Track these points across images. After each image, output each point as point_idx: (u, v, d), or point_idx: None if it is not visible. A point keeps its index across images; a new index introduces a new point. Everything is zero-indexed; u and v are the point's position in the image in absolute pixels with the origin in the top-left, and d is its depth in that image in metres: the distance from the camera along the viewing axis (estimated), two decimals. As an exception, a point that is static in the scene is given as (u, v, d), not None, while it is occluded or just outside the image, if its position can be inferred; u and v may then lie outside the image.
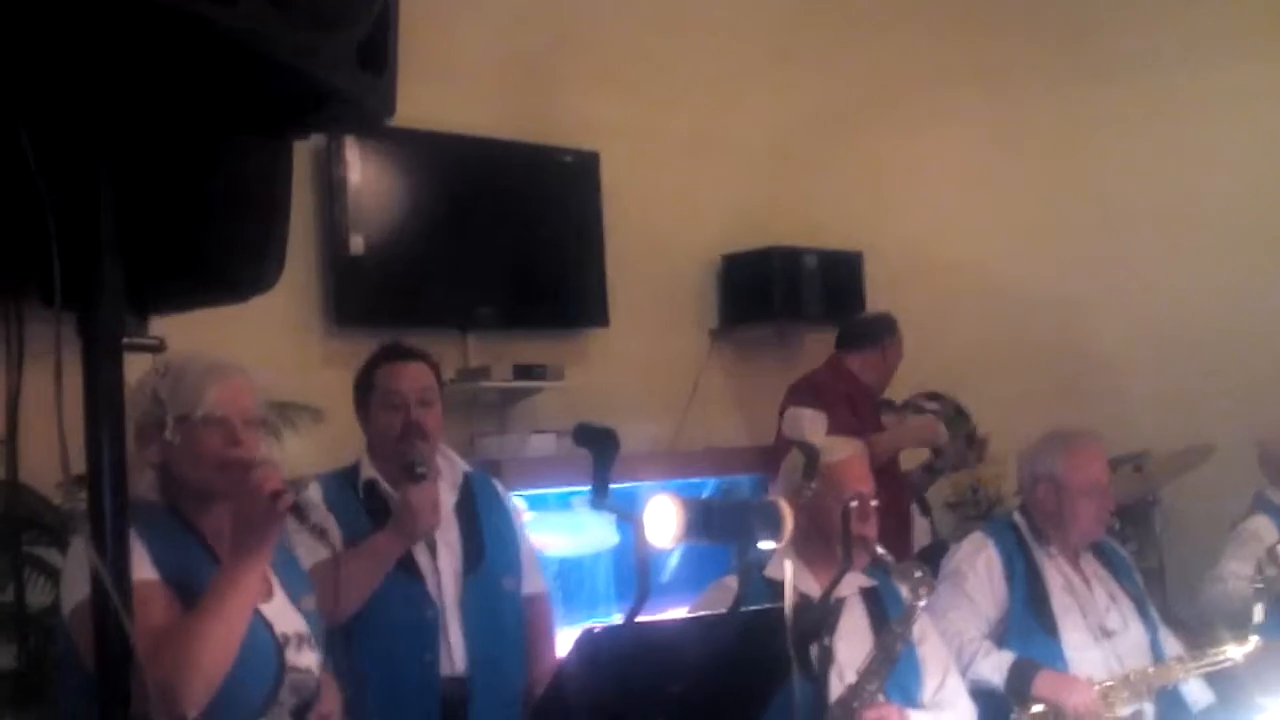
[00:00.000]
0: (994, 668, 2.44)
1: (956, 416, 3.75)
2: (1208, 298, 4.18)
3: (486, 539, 2.33)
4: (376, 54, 1.27)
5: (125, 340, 1.22)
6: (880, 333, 3.72)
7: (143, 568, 1.62)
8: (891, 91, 4.47)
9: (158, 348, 1.29)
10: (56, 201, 1.18)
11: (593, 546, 3.42)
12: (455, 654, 2.20)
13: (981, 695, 2.40)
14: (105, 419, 1.21)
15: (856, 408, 3.45)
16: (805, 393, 3.41)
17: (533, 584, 2.42)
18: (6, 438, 1.23)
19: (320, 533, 1.75)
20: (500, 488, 2.49)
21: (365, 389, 2.36)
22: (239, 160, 1.30)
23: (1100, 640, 2.57)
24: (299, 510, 1.69)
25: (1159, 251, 4.29)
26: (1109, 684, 2.47)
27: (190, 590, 1.65)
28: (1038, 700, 2.41)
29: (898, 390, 3.93)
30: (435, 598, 2.21)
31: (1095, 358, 4.39)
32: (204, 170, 1.26)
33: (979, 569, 2.57)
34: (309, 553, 1.95)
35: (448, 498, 2.32)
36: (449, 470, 2.38)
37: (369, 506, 2.27)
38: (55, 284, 1.17)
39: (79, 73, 1.15)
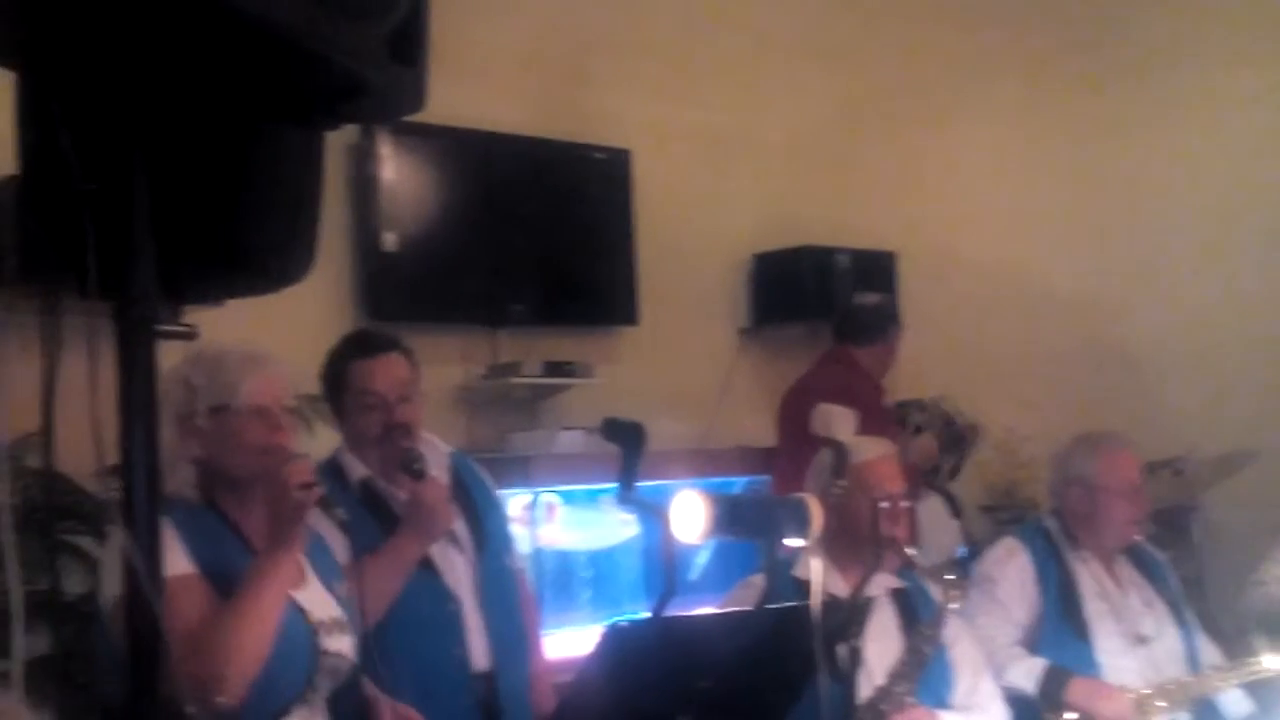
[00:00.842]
0: (1026, 674, 2.41)
1: (946, 428, 3.59)
2: (1248, 298, 4.10)
3: (484, 520, 2.26)
4: (408, 46, 1.28)
5: (159, 328, 1.23)
6: (887, 323, 3.52)
7: (180, 561, 1.64)
8: (924, 87, 4.43)
9: (191, 335, 1.30)
10: (92, 192, 1.20)
11: (606, 540, 3.40)
12: (478, 648, 2.14)
13: (1012, 702, 2.37)
14: (139, 407, 1.22)
15: (870, 409, 3.28)
16: (830, 395, 3.32)
17: (519, 557, 2.38)
18: (42, 427, 1.24)
19: (343, 526, 1.76)
20: (478, 465, 2.37)
21: (336, 386, 2.20)
22: (271, 151, 1.30)
23: (1135, 647, 2.53)
24: (326, 503, 1.71)
25: (1198, 250, 4.21)
26: (1145, 692, 2.43)
27: (228, 583, 1.67)
28: (1071, 707, 2.37)
29: (906, 389, 3.86)
30: (454, 590, 2.15)
31: (1133, 359, 4.32)
32: (236, 160, 1.27)
33: (1010, 574, 2.54)
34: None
35: (444, 483, 2.22)
36: (434, 455, 2.25)
37: (369, 507, 2.17)
38: (90, 274, 1.18)
39: (113, 62, 1.16)
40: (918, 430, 3.45)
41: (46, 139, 1.21)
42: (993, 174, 4.49)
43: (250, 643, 1.61)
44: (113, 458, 1.20)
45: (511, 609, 2.24)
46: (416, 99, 1.32)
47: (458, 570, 2.17)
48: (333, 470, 2.20)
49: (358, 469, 2.20)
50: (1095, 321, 4.37)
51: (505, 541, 2.31)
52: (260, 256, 1.32)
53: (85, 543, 2.50)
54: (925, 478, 3.57)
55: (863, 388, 3.31)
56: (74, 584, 2.45)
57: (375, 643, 2.00)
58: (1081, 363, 4.36)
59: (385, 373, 2.18)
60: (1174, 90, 4.30)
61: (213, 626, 1.60)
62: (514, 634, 2.22)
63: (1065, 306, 4.38)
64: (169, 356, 1.45)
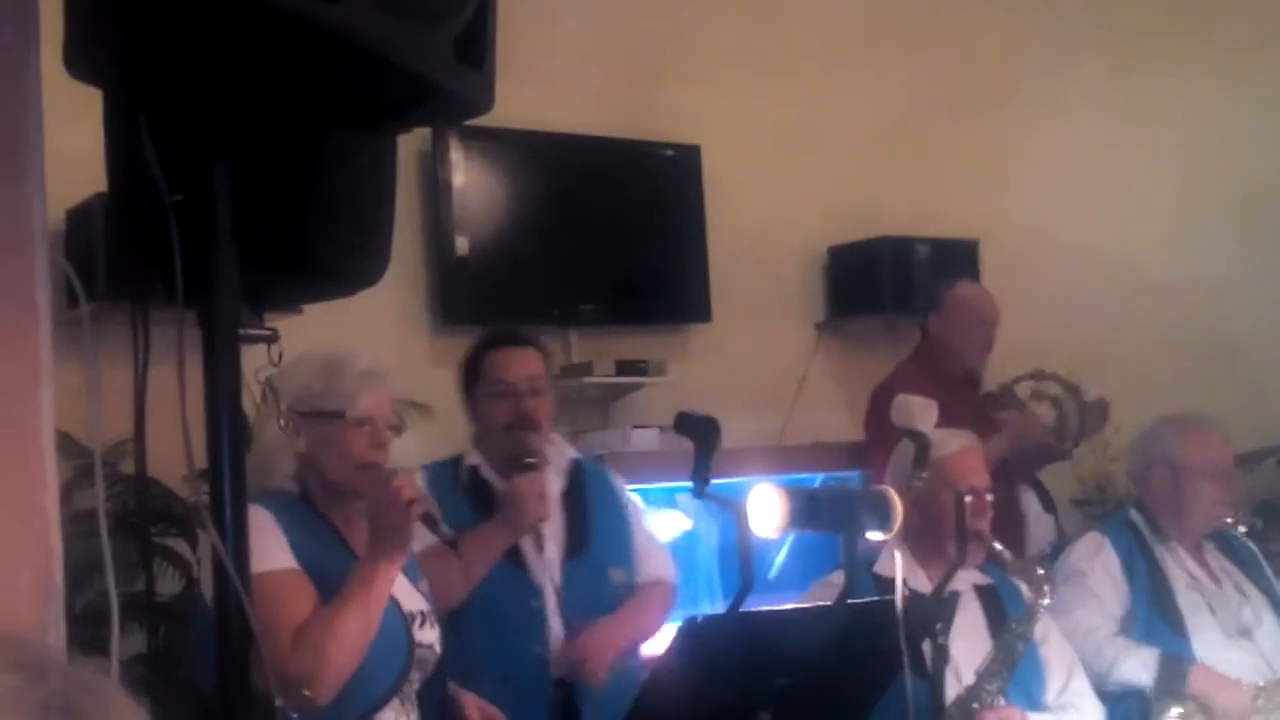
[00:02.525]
0: (1141, 665, 2.32)
1: (1064, 393, 3.44)
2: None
3: (593, 528, 2.26)
4: (475, 48, 1.29)
5: (241, 331, 1.27)
6: (927, 311, 3.41)
7: (283, 555, 1.69)
8: (1001, 71, 4.32)
9: (272, 338, 1.33)
10: (177, 202, 1.24)
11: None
12: (558, 648, 2.14)
13: (1116, 699, 2.30)
14: (225, 409, 1.26)
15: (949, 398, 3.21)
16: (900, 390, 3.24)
17: (650, 570, 2.31)
18: (135, 434, 1.29)
19: (451, 543, 1.79)
20: (614, 477, 2.39)
21: (472, 376, 2.29)
22: (344, 156, 1.33)
23: (1236, 639, 2.43)
24: (430, 519, 1.75)
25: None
26: (1262, 686, 2.32)
27: (326, 579, 1.71)
28: (1191, 698, 2.28)
29: (991, 379, 3.75)
30: (540, 586, 2.16)
31: (1229, 344, 4.14)
32: (311, 167, 1.30)
33: (1098, 568, 2.46)
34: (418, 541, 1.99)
35: (555, 485, 2.26)
36: (556, 457, 2.30)
37: (471, 493, 2.23)
38: (178, 282, 1.22)
39: (194, 75, 1.19)
40: (1014, 398, 3.32)
41: (132, 153, 1.25)
42: (1079, 157, 4.35)
43: (350, 648, 1.65)
44: (202, 462, 1.24)
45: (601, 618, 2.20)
46: (485, 100, 1.33)
47: (549, 567, 2.17)
48: (454, 464, 2.29)
49: (472, 457, 2.27)
50: (1191, 307, 4.20)
51: (619, 557, 2.28)
52: (335, 261, 1.35)
53: (178, 545, 2.59)
54: (1045, 450, 3.42)
55: (920, 381, 3.18)
56: (168, 585, 2.53)
57: (456, 631, 2.03)
58: (1176, 350, 4.20)
59: (519, 364, 2.25)
60: (1267, 68, 4.12)
61: (315, 627, 1.65)
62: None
63: (1158, 292, 4.22)
64: (251, 361, 1.48)
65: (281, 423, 1.73)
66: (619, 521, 2.33)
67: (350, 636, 1.64)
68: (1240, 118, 4.20)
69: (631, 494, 2.44)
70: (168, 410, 1.24)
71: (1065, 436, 3.41)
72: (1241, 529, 2.53)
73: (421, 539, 1.91)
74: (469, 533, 2.12)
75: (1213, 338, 4.18)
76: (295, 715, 1.56)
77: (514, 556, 2.17)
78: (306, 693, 1.61)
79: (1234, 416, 2.79)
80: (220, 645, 1.25)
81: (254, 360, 1.68)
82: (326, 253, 1.35)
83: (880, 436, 3.22)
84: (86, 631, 1.38)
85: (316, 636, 1.63)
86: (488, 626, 2.13)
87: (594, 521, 2.28)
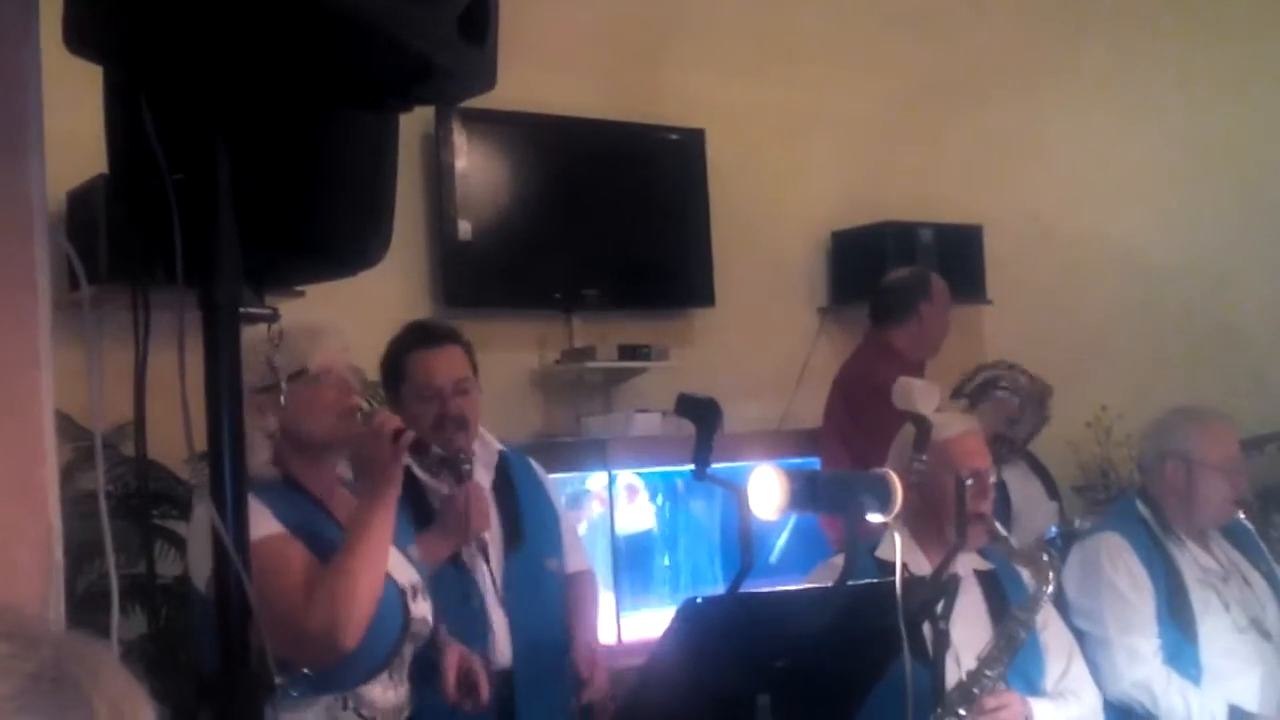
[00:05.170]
0: (1210, 717, 2.30)
1: (1030, 386, 3.39)
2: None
3: (525, 520, 2.26)
4: (477, 25, 1.28)
5: (242, 310, 1.26)
6: (914, 296, 3.31)
7: (269, 524, 1.69)
8: (1006, 56, 4.29)
9: (272, 317, 1.33)
10: (178, 180, 1.23)
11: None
12: (500, 644, 2.14)
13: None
14: (225, 388, 1.25)
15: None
16: (857, 382, 3.19)
17: (576, 562, 2.33)
18: (135, 416, 1.29)
19: (449, 465, 1.76)
20: (536, 465, 2.37)
21: (395, 376, 2.23)
22: (346, 135, 1.32)
23: (1247, 630, 2.41)
24: (420, 445, 1.74)
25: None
26: None
27: (317, 543, 1.72)
28: None
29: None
30: (481, 585, 2.15)
31: (1232, 329, 4.13)
32: (312, 145, 1.29)
33: (1125, 574, 2.41)
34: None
35: (484, 479, 2.24)
36: (483, 452, 2.27)
37: (405, 497, 2.09)
38: (178, 261, 1.22)
39: (195, 51, 1.18)
40: (985, 391, 3.29)
41: (133, 131, 1.24)
42: (1081, 143, 4.33)
43: (365, 587, 1.65)
44: (202, 444, 1.24)
45: (543, 608, 2.22)
46: (487, 78, 1.32)
47: (483, 568, 2.16)
48: None
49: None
50: (1193, 293, 4.19)
51: (547, 543, 2.28)
52: (336, 241, 1.34)
53: (180, 527, 2.59)
54: (1001, 439, 3.40)
55: (889, 372, 3.21)
56: (170, 567, 2.54)
57: None
58: (1179, 336, 4.19)
59: (443, 367, 2.20)
60: (1271, 55, 4.09)
61: (327, 578, 1.65)
62: (543, 633, 2.19)
63: (1161, 277, 4.21)
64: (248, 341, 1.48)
65: (249, 400, 1.73)
66: (547, 510, 2.33)
67: (363, 578, 1.65)
68: (1244, 104, 4.17)
69: (551, 480, 2.42)
70: (170, 393, 1.24)
71: (1021, 426, 3.35)
72: (1240, 515, 2.53)
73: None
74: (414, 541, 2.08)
75: (1215, 323, 4.17)
76: (295, 693, 1.57)
77: (453, 559, 2.15)
78: (346, 648, 1.61)
79: (1236, 401, 2.79)
80: (220, 624, 1.25)
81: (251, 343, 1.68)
82: (328, 233, 1.34)
83: (844, 426, 3.22)
84: (88, 613, 1.38)
85: (330, 586, 1.64)
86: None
87: (525, 513, 2.27)
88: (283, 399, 1.74)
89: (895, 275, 3.50)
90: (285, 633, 1.55)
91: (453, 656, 1.91)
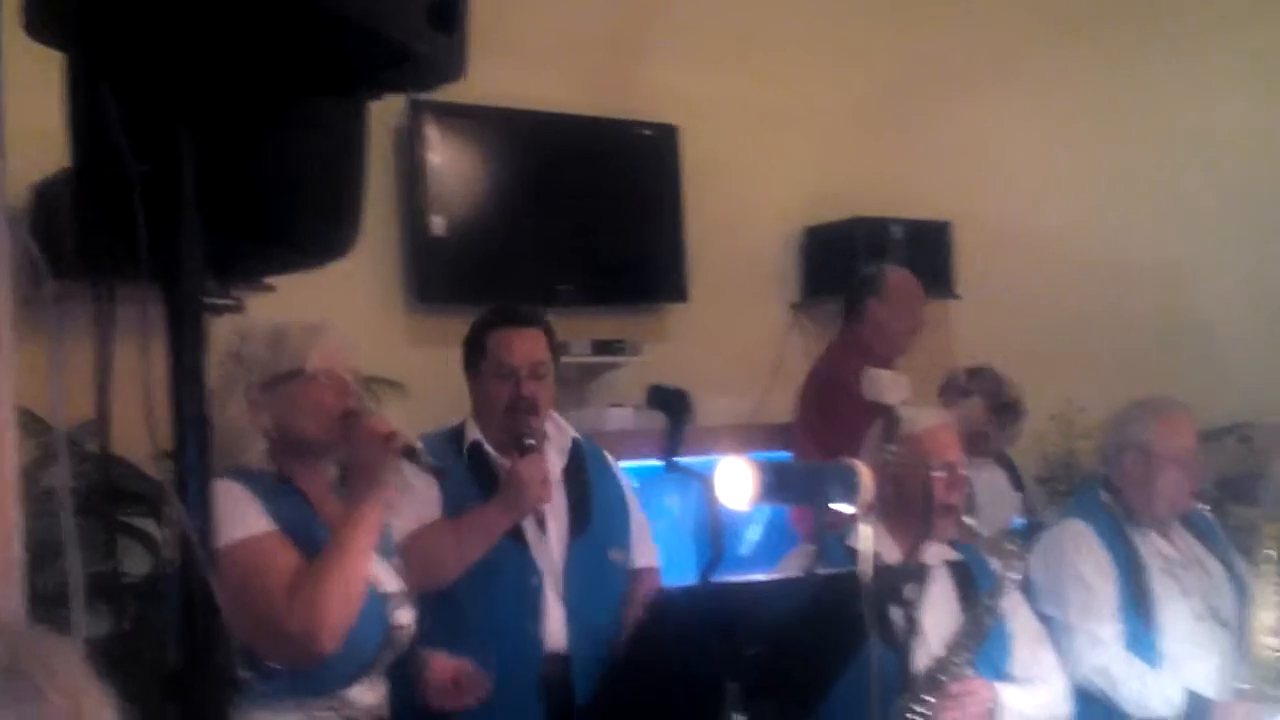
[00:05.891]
0: (1166, 702, 2.34)
1: (994, 394, 3.44)
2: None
3: (594, 507, 2.26)
4: (447, 13, 1.27)
5: (206, 300, 1.25)
6: (863, 293, 3.35)
7: (261, 521, 1.69)
8: (978, 54, 4.32)
9: (237, 308, 1.32)
10: (142, 171, 1.22)
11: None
12: (556, 626, 2.13)
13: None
14: (190, 382, 1.24)
15: (848, 392, 3.03)
16: (822, 393, 3.23)
17: (644, 557, 2.33)
18: (97, 411, 1.27)
19: (436, 473, 1.77)
20: (610, 458, 2.38)
21: (476, 351, 2.27)
22: (313, 124, 1.31)
23: (1205, 619, 2.46)
24: (411, 452, 1.73)
25: (1265, 213, 4.08)
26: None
27: (305, 543, 1.71)
28: None
29: (965, 359, 3.76)
30: (540, 565, 2.15)
31: (1197, 324, 4.19)
32: (279, 134, 1.28)
33: (1089, 560, 2.45)
34: (418, 506, 1.99)
35: (556, 464, 2.25)
36: (558, 436, 2.30)
37: (473, 468, 2.21)
38: (141, 253, 1.20)
39: (159, 38, 1.17)
40: (965, 394, 3.33)
41: (96, 120, 1.23)
42: (1053, 140, 4.38)
43: (346, 590, 1.64)
44: (168, 441, 1.23)
45: (602, 597, 2.21)
46: (457, 68, 1.32)
47: (549, 545, 2.16)
48: (454, 435, 2.27)
49: (473, 432, 2.25)
50: (1157, 287, 4.25)
51: (614, 534, 2.28)
52: (303, 230, 1.33)
53: (147, 525, 2.56)
54: (976, 445, 3.44)
55: (850, 367, 3.17)
56: (138, 565, 2.51)
57: (449, 600, 2.04)
58: (1143, 330, 4.24)
59: (522, 347, 2.23)
60: (1244, 51, 4.15)
61: (308, 578, 1.64)
62: (599, 621, 2.18)
63: (1127, 273, 4.26)
64: (216, 335, 1.47)
65: (244, 397, 1.71)
66: (617, 502, 2.33)
67: (345, 583, 1.64)
68: (1210, 105, 4.23)
69: (625, 475, 2.43)
70: (136, 389, 1.22)
71: (990, 434, 3.38)
72: (1201, 506, 2.57)
73: (421, 501, 1.88)
74: (469, 511, 2.12)
75: (1177, 317, 4.23)
76: (263, 685, 1.56)
77: (515, 534, 2.16)
78: (323, 651, 1.60)
79: (1198, 394, 2.82)
80: (185, 621, 1.24)
81: (219, 337, 1.67)
82: (295, 223, 1.33)
83: (813, 423, 3.25)
84: (52, 611, 1.36)
85: (311, 588, 1.63)
86: (484, 600, 2.12)
87: (594, 501, 2.28)
88: (269, 393, 1.72)
89: (862, 272, 3.53)
90: (266, 633, 1.54)
91: (441, 662, 1.90)
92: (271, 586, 1.62)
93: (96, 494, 2.36)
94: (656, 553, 2.40)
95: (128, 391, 1.24)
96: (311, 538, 1.72)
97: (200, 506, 1.23)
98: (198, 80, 1.21)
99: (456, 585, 2.10)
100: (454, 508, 2.12)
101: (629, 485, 2.42)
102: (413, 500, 2.10)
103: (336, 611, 1.63)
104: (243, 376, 1.73)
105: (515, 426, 2.16)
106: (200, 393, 1.25)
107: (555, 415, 2.34)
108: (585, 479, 2.28)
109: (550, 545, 2.17)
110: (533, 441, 2.14)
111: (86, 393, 1.28)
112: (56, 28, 1.20)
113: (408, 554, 2.05)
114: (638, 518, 2.38)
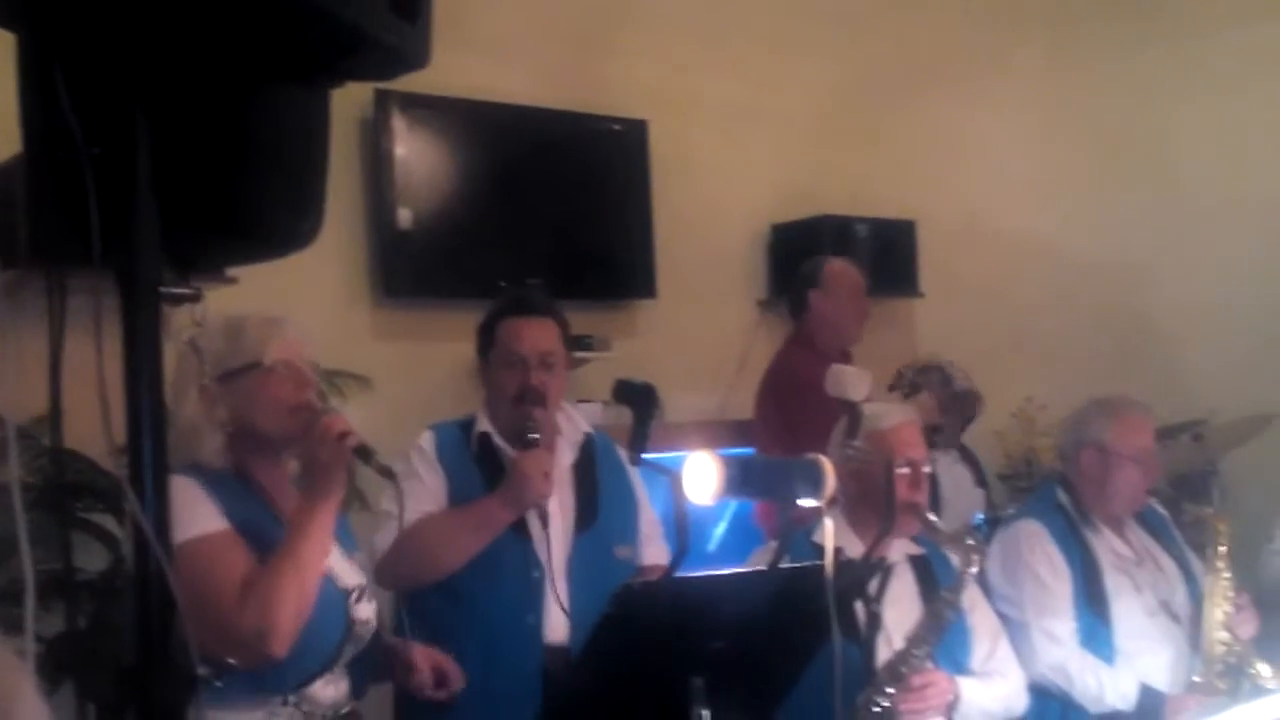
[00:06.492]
0: (1121, 697, 2.37)
1: (944, 387, 3.45)
2: (1270, 264, 4.03)
3: (601, 502, 2.24)
4: (410, 1, 1.26)
5: (162, 290, 1.22)
6: (803, 285, 3.34)
7: (215, 520, 1.66)
8: (943, 54, 4.36)
9: (195, 297, 1.29)
10: (95, 156, 1.19)
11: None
12: (558, 620, 2.11)
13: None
14: (145, 373, 1.22)
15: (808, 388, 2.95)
16: (778, 391, 3.24)
17: (653, 555, 2.30)
18: (50, 405, 1.24)
19: (387, 473, 1.75)
20: (622, 454, 2.31)
21: (488, 339, 2.25)
22: (275, 111, 1.28)
23: (1158, 615, 2.49)
24: (364, 451, 1.71)
25: (1220, 216, 4.15)
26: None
27: (259, 542, 1.69)
28: None
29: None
30: (542, 558, 2.12)
31: (1154, 324, 4.26)
32: (238, 121, 1.25)
33: (1044, 561, 2.47)
34: (424, 497, 2.00)
35: (565, 457, 2.23)
36: (569, 429, 2.27)
37: (480, 460, 2.19)
38: (95, 240, 1.17)
39: (114, 20, 1.15)
40: (914, 389, 3.34)
41: (49, 104, 1.20)
42: (1013, 140, 4.43)
43: (299, 592, 1.63)
44: (123, 434, 1.20)
45: (608, 593, 2.16)
46: (420, 55, 1.30)
47: (552, 539, 2.14)
48: (465, 426, 2.25)
49: (483, 423, 2.23)
50: (1116, 287, 4.31)
51: (621, 529, 2.26)
52: (263, 219, 1.30)
53: (105, 520, 2.52)
54: (930, 439, 3.45)
55: (800, 363, 3.20)
56: (96, 562, 2.47)
57: (450, 595, 2.03)
58: (1102, 329, 4.30)
59: (533, 336, 2.20)
60: (1200, 57, 4.22)
61: (261, 579, 1.62)
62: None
63: (1086, 272, 4.32)
64: (174, 326, 1.44)
65: (201, 389, 1.69)
66: (627, 499, 2.31)
67: (298, 584, 1.63)
68: (1169, 104, 4.29)
69: (637, 471, 2.38)
70: (90, 383, 1.19)
71: (944, 432, 3.40)
72: (1153, 501, 2.60)
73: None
74: (471, 503, 2.10)
75: (1135, 317, 4.29)
76: (219, 683, 1.54)
77: (518, 527, 2.14)
78: (275, 653, 1.58)
79: (1153, 392, 2.86)
80: (139, 616, 1.21)
81: (178, 329, 1.64)
82: (254, 212, 1.30)
83: (772, 420, 3.26)
84: (4, 609, 1.33)
85: (264, 589, 1.61)
86: (485, 591, 2.11)
87: (602, 496, 2.25)
88: (225, 386, 1.69)
89: (801, 267, 3.51)
90: (218, 634, 1.52)
91: (421, 652, 1.88)
92: (222, 587, 1.60)
93: (51, 489, 2.32)
94: (667, 553, 2.36)
95: (87, 385, 1.21)
96: (266, 535, 1.70)
97: (157, 502, 1.20)
98: (154, 64, 1.18)
99: (458, 577, 2.09)
100: (460, 499, 2.11)
101: (640, 481, 2.38)
102: (419, 491, 2.09)
103: (289, 614, 1.61)
104: (199, 369, 1.70)
105: (521, 418, 2.13)
106: (157, 385, 1.22)
107: (568, 408, 2.31)
108: (594, 474, 2.25)
109: (553, 539, 2.14)
110: (536, 435, 2.11)
111: (40, 386, 1.26)
112: (6, 6, 1.17)
113: (409, 544, 2.04)
114: (648, 515, 2.35)
